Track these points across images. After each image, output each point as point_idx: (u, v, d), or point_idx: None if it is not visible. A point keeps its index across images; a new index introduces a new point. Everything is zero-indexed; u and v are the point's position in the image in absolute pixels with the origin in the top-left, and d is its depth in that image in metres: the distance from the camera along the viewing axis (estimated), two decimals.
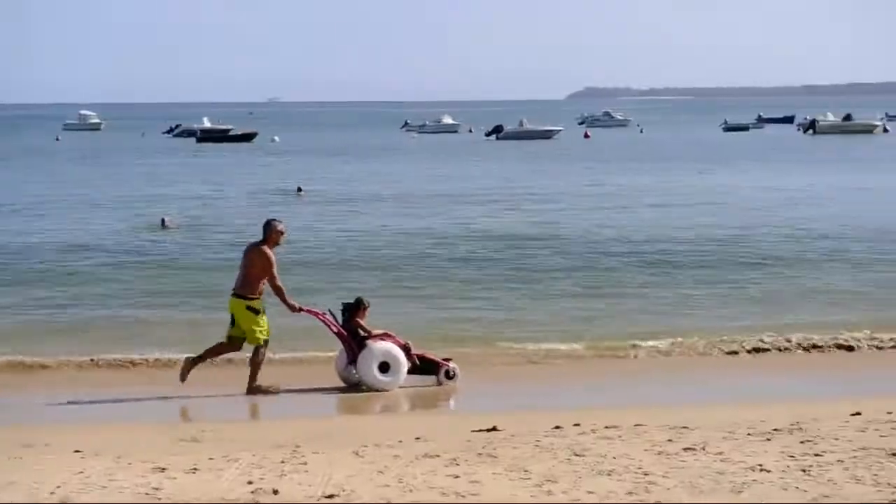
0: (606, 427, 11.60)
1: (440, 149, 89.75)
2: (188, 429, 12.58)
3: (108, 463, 10.34)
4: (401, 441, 11.19)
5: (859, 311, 21.21)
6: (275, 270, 15.20)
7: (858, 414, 12.11)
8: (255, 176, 59.07)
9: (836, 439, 10.76)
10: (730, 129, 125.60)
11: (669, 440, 10.88)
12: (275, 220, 15.66)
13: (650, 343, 18.43)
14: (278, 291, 15.35)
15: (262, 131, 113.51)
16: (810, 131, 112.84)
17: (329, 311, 15.99)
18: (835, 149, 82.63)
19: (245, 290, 15.22)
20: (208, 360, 15.70)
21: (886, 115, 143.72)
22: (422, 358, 15.99)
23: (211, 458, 10.43)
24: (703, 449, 10.43)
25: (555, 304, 22.19)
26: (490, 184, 52.03)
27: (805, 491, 9.05)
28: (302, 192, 47.11)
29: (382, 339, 15.77)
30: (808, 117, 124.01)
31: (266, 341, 15.38)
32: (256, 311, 15.21)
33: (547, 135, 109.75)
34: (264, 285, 15.27)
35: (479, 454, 10.41)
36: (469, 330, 19.75)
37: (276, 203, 43.32)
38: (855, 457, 10.05)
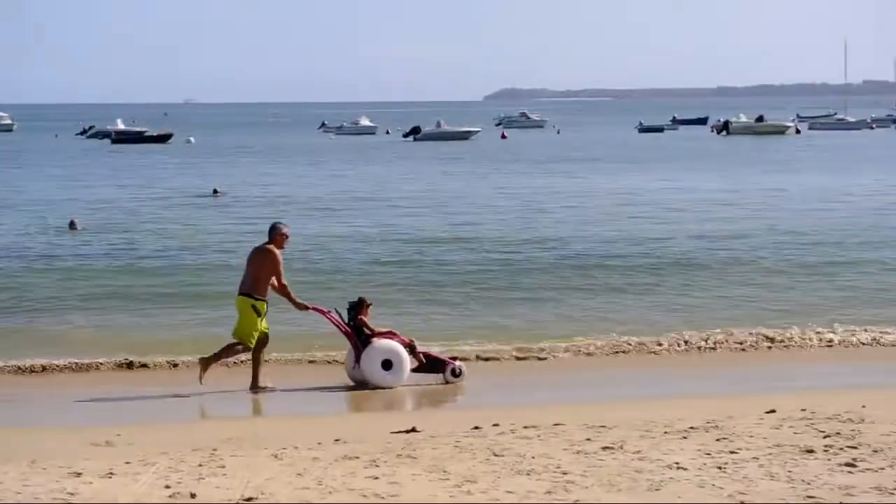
0: (525, 427, 11.64)
1: (358, 150, 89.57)
2: (103, 433, 12.41)
3: (22, 468, 10.18)
4: (320, 443, 11.14)
5: (772, 310, 21.51)
6: (281, 270, 15.53)
7: (773, 411, 12.27)
8: (170, 177, 58.52)
9: (752, 437, 10.90)
10: (645, 130, 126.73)
11: (588, 439, 10.94)
12: (280, 223, 15.94)
13: (570, 343, 18.53)
14: (284, 291, 15.66)
15: (181, 132, 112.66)
16: (724, 132, 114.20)
17: (335, 309, 16.14)
18: (748, 150, 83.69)
19: (253, 289, 15.48)
20: (263, 359, 15.79)
21: (798, 115, 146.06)
22: (428, 356, 16.16)
23: (127, 462, 10.31)
24: (622, 448, 10.51)
25: (474, 306, 22.23)
26: (408, 186, 51.99)
27: (721, 488, 9.15)
28: (218, 194, 46.68)
29: (386, 337, 15.88)
30: (721, 119, 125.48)
31: (249, 346, 15.49)
32: (258, 313, 15.44)
33: (464, 136, 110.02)
34: (269, 288, 15.53)
35: (399, 455, 10.40)
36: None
37: (191, 205, 42.88)
38: (770, 454, 10.18)
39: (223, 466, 10.09)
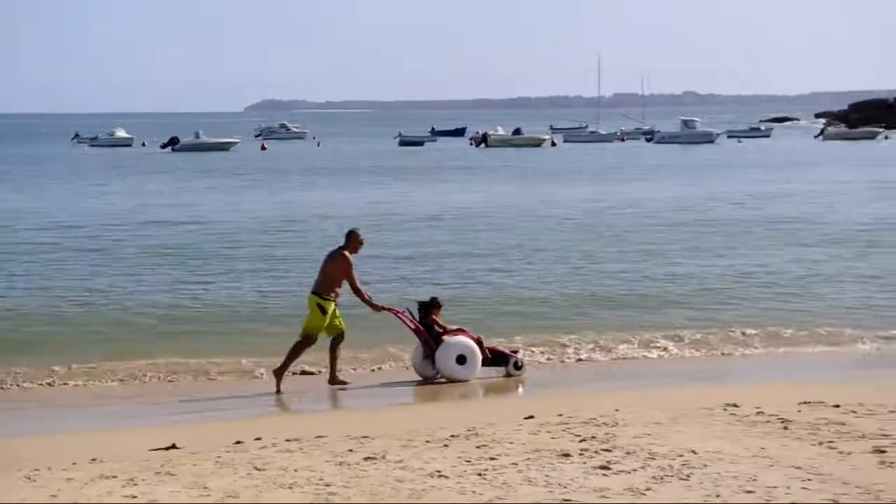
0: (288, 440, 11.59)
1: (113, 163, 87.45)
2: None
3: None
4: (75, 463, 10.83)
5: (525, 324, 21.98)
6: (354, 273, 16.40)
7: (531, 417, 12.53)
8: None
9: (511, 443, 11.10)
10: (405, 143, 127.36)
11: (350, 450, 10.96)
12: (357, 229, 16.90)
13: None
14: (358, 292, 16.52)
15: None
16: (482, 145, 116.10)
17: (407, 309, 17.06)
18: (507, 162, 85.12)
19: (321, 287, 16.43)
20: (339, 355, 16.75)
21: (552, 128, 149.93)
22: (492, 350, 17.20)
23: None
24: (384, 457, 10.57)
25: (228, 322, 21.90)
26: (164, 200, 50.85)
27: (481, 494, 9.29)
28: None
29: (457, 335, 16.87)
30: (479, 131, 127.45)
31: (313, 340, 16.56)
32: (324, 311, 16.31)
33: (224, 147, 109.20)
34: (341, 290, 16.46)
35: (158, 473, 10.20)
36: (141, 347, 19.32)
37: None
38: (528, 459, 10.39)
39: None
